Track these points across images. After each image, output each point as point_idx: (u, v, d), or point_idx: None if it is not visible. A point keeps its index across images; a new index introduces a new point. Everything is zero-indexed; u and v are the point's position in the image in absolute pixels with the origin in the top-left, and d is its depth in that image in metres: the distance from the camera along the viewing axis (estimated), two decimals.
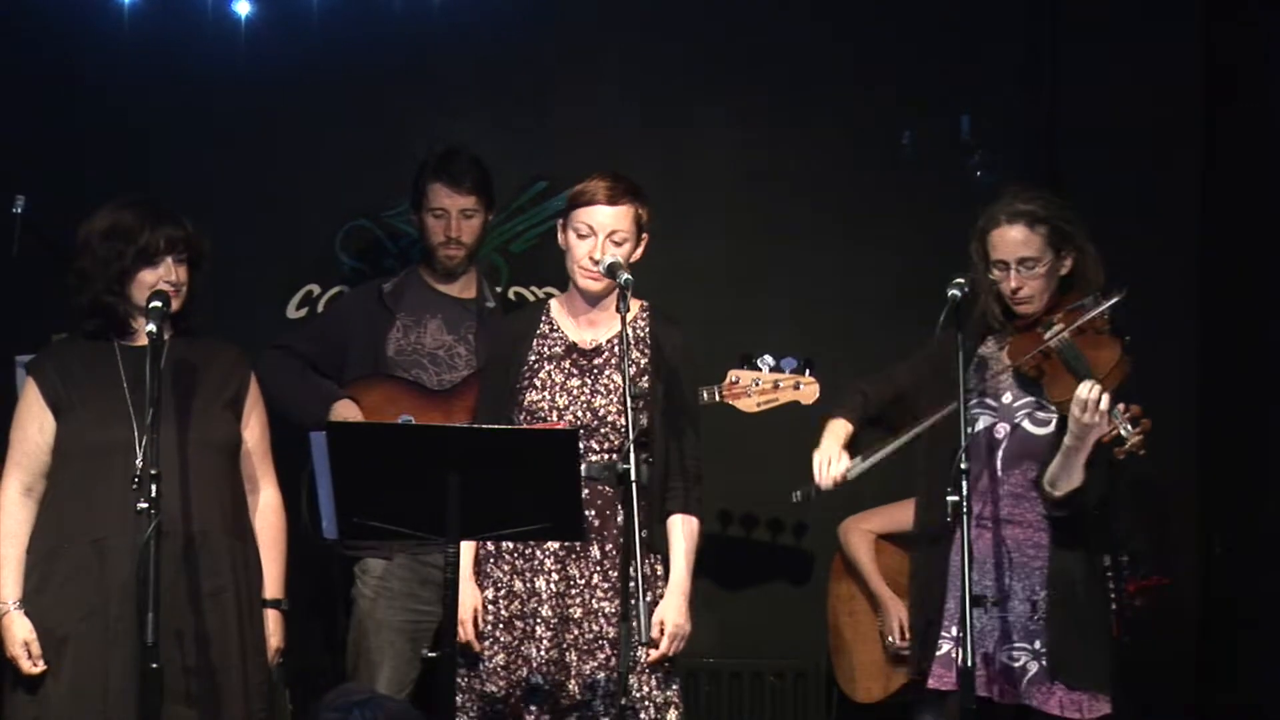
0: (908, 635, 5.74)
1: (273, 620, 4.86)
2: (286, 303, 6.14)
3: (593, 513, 4.73)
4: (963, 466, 4.45)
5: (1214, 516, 6.18)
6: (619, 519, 4.76)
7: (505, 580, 4.79)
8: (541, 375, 4.82)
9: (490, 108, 6.20)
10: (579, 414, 4.77)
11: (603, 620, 4.73)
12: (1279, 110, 6.00)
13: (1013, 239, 4.71)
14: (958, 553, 4.69)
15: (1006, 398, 4.74)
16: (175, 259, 4.73)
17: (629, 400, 4.48)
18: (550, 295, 5.34)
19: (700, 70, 6.31)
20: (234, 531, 4.77)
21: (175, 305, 4.71)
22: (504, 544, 4.76)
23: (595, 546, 4.75)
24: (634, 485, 4.36)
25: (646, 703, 4.73)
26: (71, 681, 4.61)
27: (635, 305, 4.89)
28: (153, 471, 4.35)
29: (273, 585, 4.86)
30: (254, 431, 4.89)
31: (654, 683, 4.75)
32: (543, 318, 4.91)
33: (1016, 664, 4.68)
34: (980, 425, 4.75)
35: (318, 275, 6.16)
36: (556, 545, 4.73)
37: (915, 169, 6.25)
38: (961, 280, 4.62)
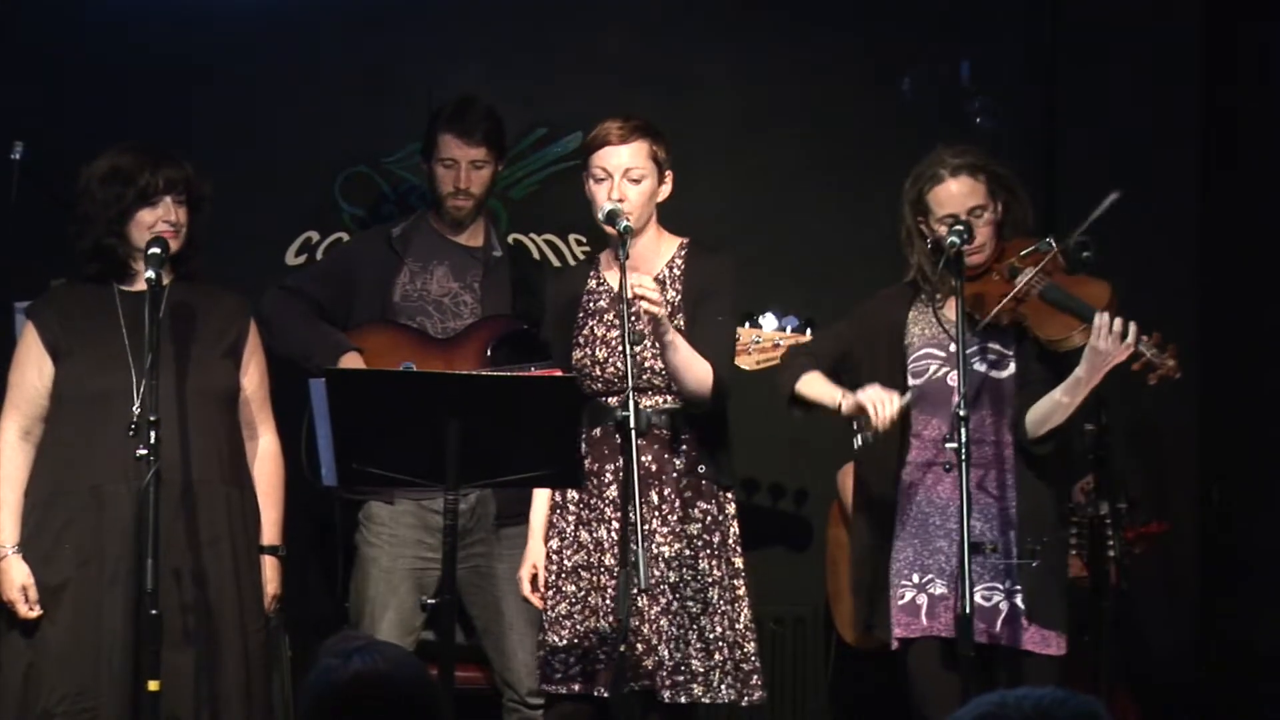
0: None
1: (270, 567, 4.88)
2: (285, 249, 6.13)
3: (649, 458, 4.73)
4: (961, 414, 4.48)
5: (1213, 463, 6.19)
6: (676, 462, 4.78)
7: (571, 531, 4.79)
8: (585, 332, 4.83)
9: (490, 54, 6.18)
10: (619, 365, 4.76)
11: (663, 565, 4.73)
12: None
13: (960, 191, 4.75)
14: (910, 500, 4.79)
15: (953, 346, 4.73)
16: (175, 199, 4.73)
17: (628, 348, 4.46)
18: (583, 249, 5.32)
19: (701, 16, 6.28)
20: (232, 480, 4.78)
21: (175, 245, 4.71)
22: (569, 494, 4.77)
23: (654, 491, 4.75)
24: (632, 433, 4.34)
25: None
26: (68, 626, 4.64)
27: (674, 243, 4.90)
28: (152, 418, 4.36)
29: (270, 532, 4.88)
30: (253, 378, 4.90)
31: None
32: (590, 274, 4.92)
33: (988, 603, 4.70)
34: (931, 376, 4.78)
35: (317, 222, 6.14)
36: (616, 493, 4.72)
37: (915, 117, 6.22)
38: (960, 227, 4.64)
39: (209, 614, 4.69)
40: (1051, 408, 4.67)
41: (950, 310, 4.77)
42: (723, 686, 4.74)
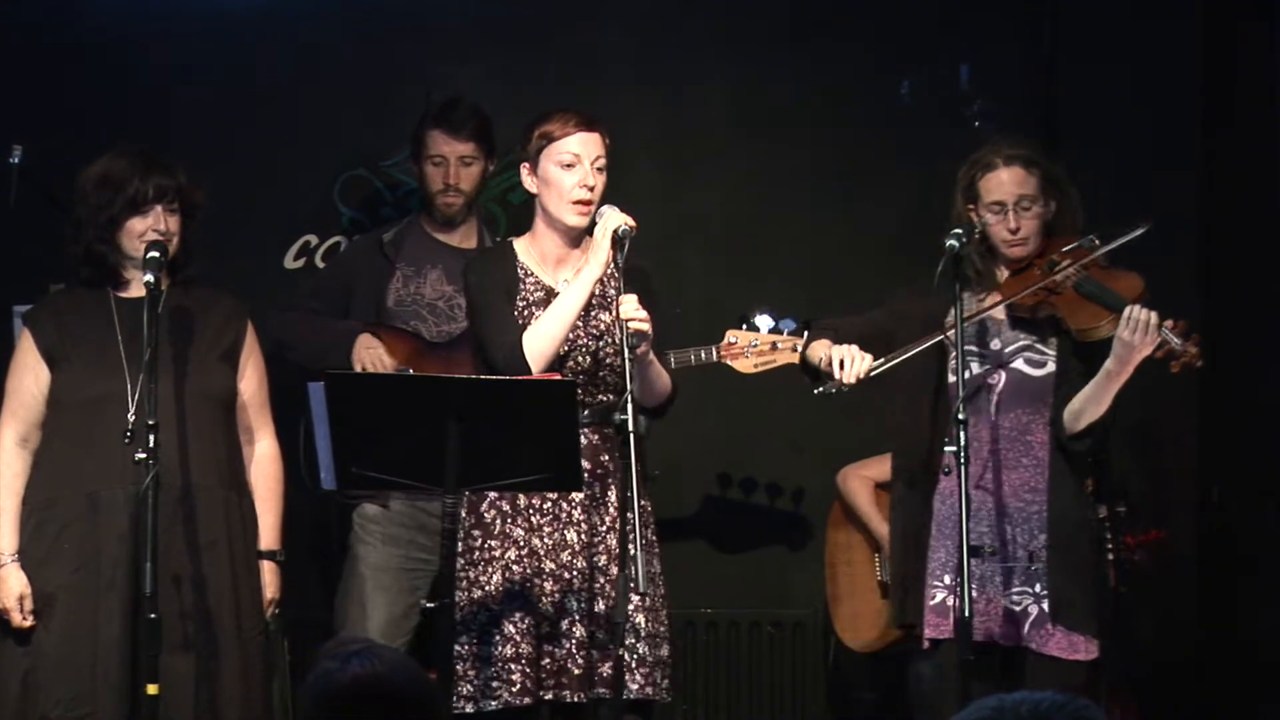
0: None
1: (268, 572, 4.87)
2: (284, 253, 6.13)
3: (605, 458, 4.68)
4: (960, 417, 4.48)
5: (1213, 465, 6.18)
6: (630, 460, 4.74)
7: (525, 538, 4.69)
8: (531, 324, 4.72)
9: (488, 58, 6.18)
10: (580, 359, 4.71)
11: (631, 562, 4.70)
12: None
13: (1010, 179, 4.77)
14: (944, 501, 4.77)
15: (995, 344, 4.76)
16: (165, 208, 4.72)
17: (626, 350, 4.42)
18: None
19: (700, 20, 6.28)
20: (229, 484, 4.77)
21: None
22: (520, 501, 4.68)
23: (613, 491, 4.69)
24: (632, 436, 4.29)
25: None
26: (64, 632, 4.63)
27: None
28: (150, 422, 4.36)
29: (268, 536, 4.87)
30: (251, 383, 4.89)
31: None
32: (515, 263, 4.80)
33: (1018, 607, 4.70)
34: (969, 374, 4.78)
35: (315, 226, 6.14)
36: (581, 495, 4.65)
37: (914, 120, 6.23)
38: (959, 230, 4.66)
39: (207, 619, 4.68)
40: (1085, 400, 4.67)
41: (990, 307, 4.77)
42: (665, 682, 4.69)
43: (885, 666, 5.85)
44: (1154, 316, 4.56)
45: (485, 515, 4.71)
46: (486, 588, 4.67)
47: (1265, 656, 5.91)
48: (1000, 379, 4.77)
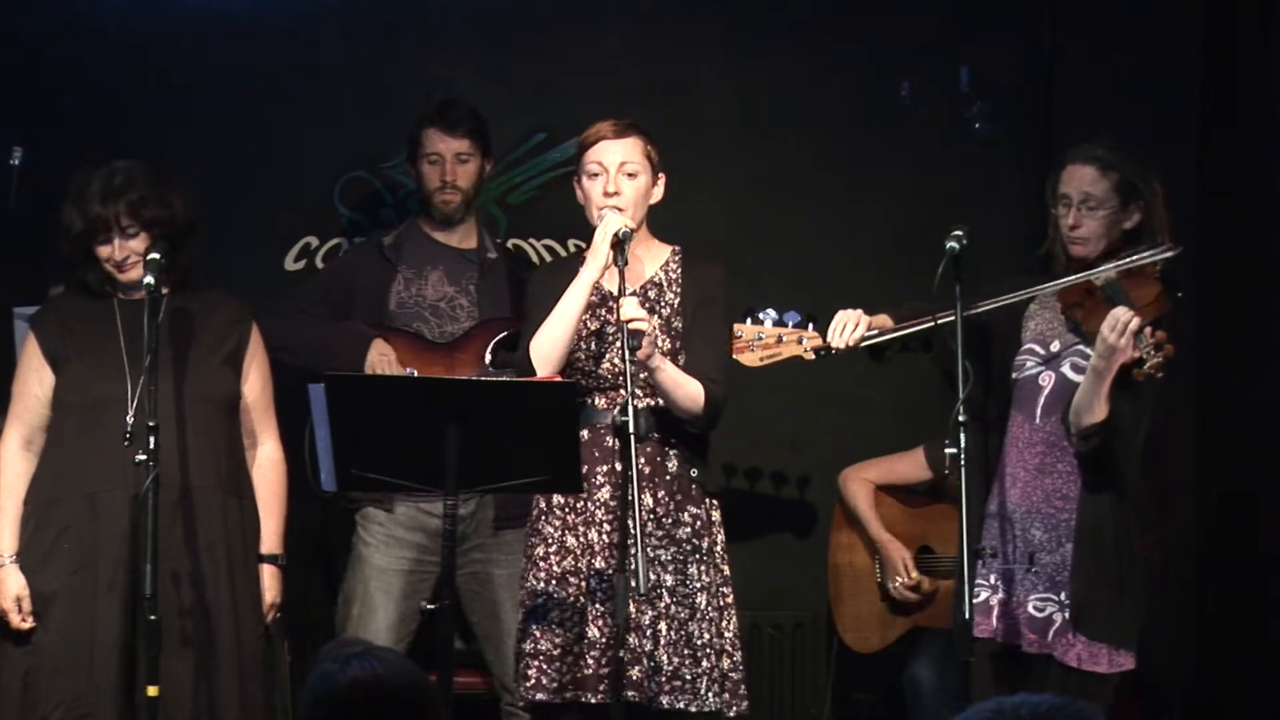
0: (913, 575, 5.75)
1: (269, 575, 4.86)
2: (284, 255, 6.12)
3: (642, 460, 4.68)
4: (960, 418, 4.47)
5: (1212, 465, 6.18)
6: (670, 465, 4.76)
7: (557, 536, 4.73)
8: (578, 327, 4.78)
9: (489, 59, 6.18)
10: (616, 361, 4.73)
11: (659, 568, 4.70)
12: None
13: (1080, 176, 4.77)
14: (991, 502, 4.78)
15: (1055, 345, 4.77)
16: (121, 238, 4.71)
17: (627, 353, 4.45)
18: (580, 248, 5.30)
19: (700, 21, 6.28)
20: (230, 487, 4.77)
21: (133, 274, 4.69)
22: (554, 499, 4.73)
23: (648, 494, 4.72)
24: (631, 438, 4.31)
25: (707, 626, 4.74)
26: (62, 633, 4.64)
27: (666, 250, 4.90)
28: (150, 423, 4.36)
29: (270, 540, 4.87)
30: (254, 385, 4.89)
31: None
32: (579, 269, 4.86)
33: (1042, 614, 4.69)
34: (1025, 373, 4.77)
35: (316, 227, 6.14)
36: (608, 496, 4.69)
37: (915, 121, 6.22)
38: (960, 233, 4.63)
39: (205, 620, 4.68)
40: (1080, 401, 4.64)
41: (1059, 297, 4.77)
42: (709, 695, 4.69)
43: (885, 667, 5.85)
44: (1135, 322, 4.51)
45: (532, 513, 4.80)
46: (525, 586, 4.76)
47: (1266, 659, 5.90)
48: (1050, 381, 4.76)
